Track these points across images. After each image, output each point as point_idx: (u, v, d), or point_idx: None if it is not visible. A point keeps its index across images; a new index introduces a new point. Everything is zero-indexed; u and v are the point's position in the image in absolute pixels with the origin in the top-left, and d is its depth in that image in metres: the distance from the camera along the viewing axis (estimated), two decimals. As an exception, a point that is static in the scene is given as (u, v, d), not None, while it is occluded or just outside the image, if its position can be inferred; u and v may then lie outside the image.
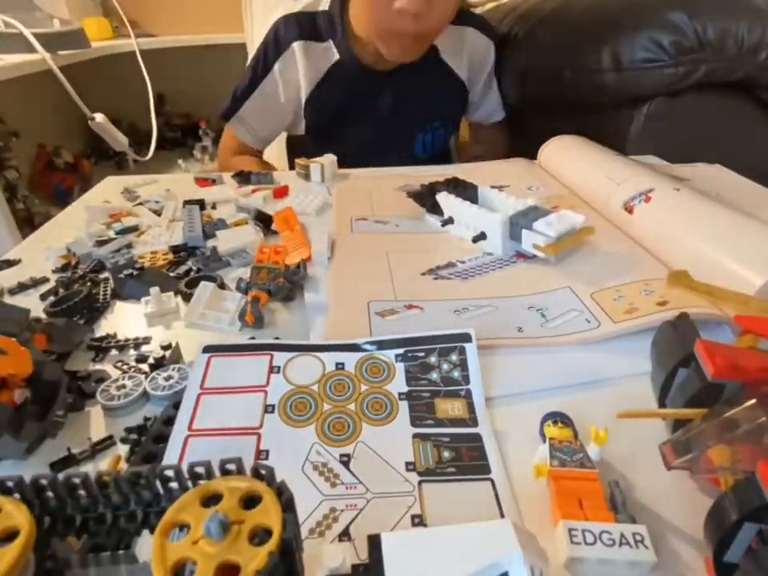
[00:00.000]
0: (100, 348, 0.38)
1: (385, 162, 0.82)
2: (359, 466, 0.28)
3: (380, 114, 0.91)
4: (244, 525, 0.16)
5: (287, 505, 0.17)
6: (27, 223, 1.37)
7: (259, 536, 0.16)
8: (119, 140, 1.18)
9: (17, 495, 0.17)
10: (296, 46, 0.86)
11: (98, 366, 0.37)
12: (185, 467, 0.18)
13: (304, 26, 0.86)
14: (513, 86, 0.96)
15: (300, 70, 0.87)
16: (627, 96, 0.77)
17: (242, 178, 0.71)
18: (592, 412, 0.30)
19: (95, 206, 0.64)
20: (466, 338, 0.35)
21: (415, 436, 0.30)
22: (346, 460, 0.28)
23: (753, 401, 0.23)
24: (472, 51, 0.92)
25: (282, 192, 0.66)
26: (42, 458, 0.29)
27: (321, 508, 0.26)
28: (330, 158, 0.72)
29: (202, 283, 0.42)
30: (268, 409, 0.31)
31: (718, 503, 0.21)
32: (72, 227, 0.58)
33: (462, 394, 0.32)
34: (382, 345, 0.35)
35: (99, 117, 1.12)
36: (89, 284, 0.46)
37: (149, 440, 0.30)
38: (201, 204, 0.62)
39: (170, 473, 0.18)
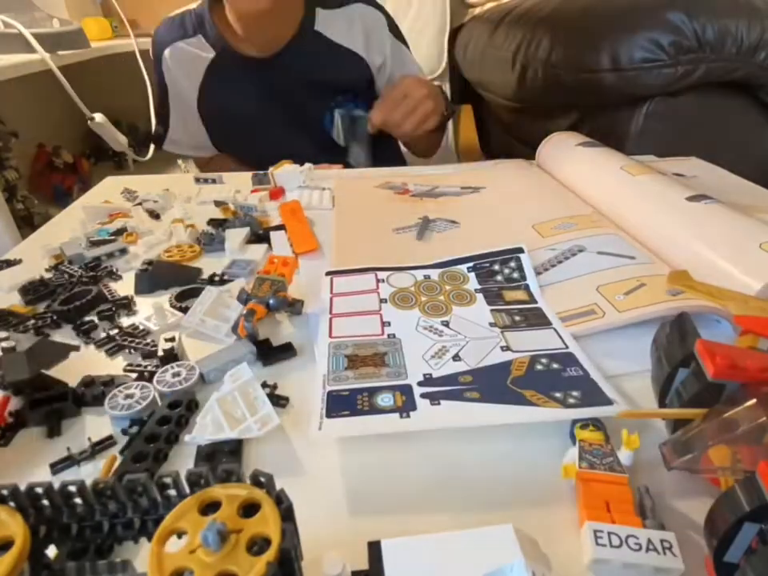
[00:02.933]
0: (110, 346, 0.39)
1: (303, 145, 0.83)
2: (456, 325, 0.38)
3: (271, 99, 0.88)
4: (242, 533, 0.16)
5: (286, 514, 0.16)
6: (27, 223, 1.37)
7: (258, 545, 0.16)
8: (119, 140, 1.18)
9: (11, 504, 0.17)
10: (166, 53, 0.85)
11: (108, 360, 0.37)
12: (183, 474, 0.18)
13: (174, 28, 0.86)
14: (512, 86, 0.96)
15: (179, 78, 0.86)
16: (626, 96, 0.77)
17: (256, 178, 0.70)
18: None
19: (92, 206, 0.64)
20: (520, 250, 0.45)
21: (493, 310, 0.40)
22: (446, 322, 0.39)
23: (753, 401, 0.23)
24: (367, 27, 0.89)
25: (277, 193, 0.66)
26: (43, 457, 0.29)
27: (434, 348, 0.36)
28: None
29: (207, 288, 0.42)
30: (382, 301, 0.42)
31: (718, 503, 0.21)
32: (71, 228, 0.58)
33: (522, 287, 0.43)
34: (455, 262, 0.46)
35: (99, 117, 1.12)
36: (76, 283, 0.46)
37: (140, 439, 0.29)
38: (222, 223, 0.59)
39: (167, 480, 0.18)
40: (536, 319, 0.39)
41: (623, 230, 0.53)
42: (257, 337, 0.38)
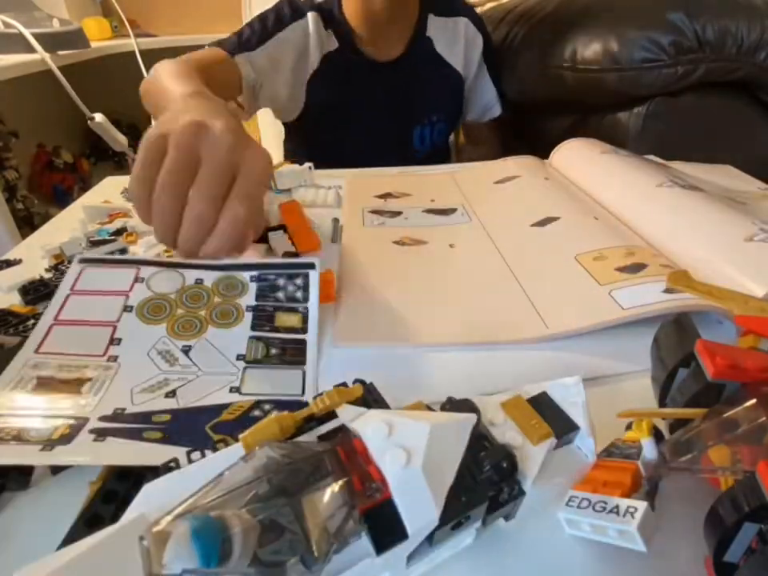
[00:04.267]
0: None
1: (382, 154, 0.81)
2: (196, 354, 0.34)
3: (377, 106, 0.90)
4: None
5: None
6: (27, 223, 1.37)
7: None
8: (119, 140, 1.18)
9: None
10: (310, 15, 0.83)
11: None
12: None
13: (315, 6, 0.85)
14: (512, 86, 0.96)
15: (311, 42, 0.85)
16: (627, 96, 0.77)
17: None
18: (592, 411, 0.30)
19: (92, 205, 0.64)
20: (311, 266, 0.40)
21: (252, 338, 0.36)
22: (186, 350, 0.34)
23: (753, 401, 0.23)
24: (465, 42, 0.92)
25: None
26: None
27: (153, 380, 0.32)
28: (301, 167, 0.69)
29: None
30: (127, 308, 0.36)
31: (718, 503, 0.21)
32: (71, 227, 0.58)
33: (299, 309, 0.38)
34: (239, 267, 0.40)
35: (99, 117, 1.12)
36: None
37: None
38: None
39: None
40: (292, 355, 0.35)
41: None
42: None
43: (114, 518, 0.24)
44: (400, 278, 0.46)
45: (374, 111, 0.91)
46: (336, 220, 0.58)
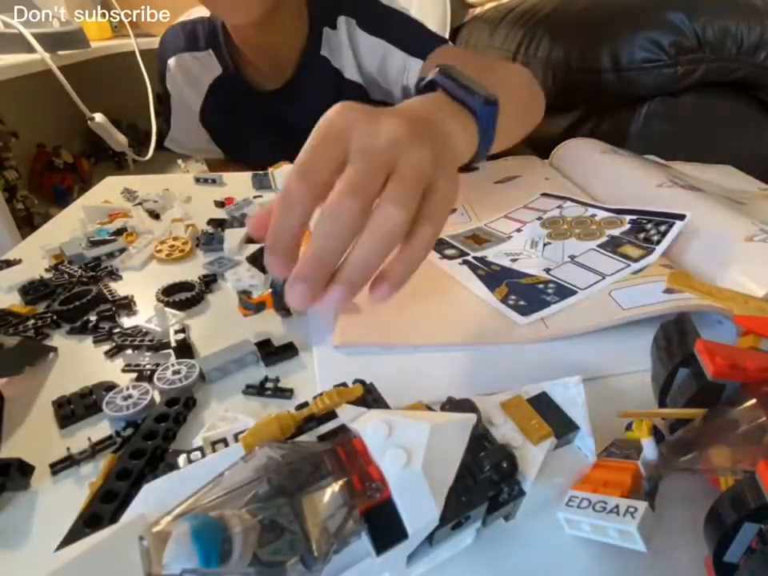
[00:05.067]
0: (110, 347, 0.39)
1: None
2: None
3: (272, 132, 0.83)
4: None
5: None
6: (27, 223, 1.37)
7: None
8: (119, 140, 1.18)
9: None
10: (170, 63, 0.81)
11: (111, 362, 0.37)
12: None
13: (182, 37, 0.81)
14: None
15: (183, 88, 0.83)
16: (627, 96, 0.77)
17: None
18: (592, 411, 0.30)
19: (92, 205, 0.64)
20: (681, 217, 0.45)
21: (592, 250, 0.46)
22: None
23: (753, 401, 0.23)
24: (351, 41, 0.75)
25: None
26: (43, 458, 0.29)
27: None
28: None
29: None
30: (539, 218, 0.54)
31: (718, 503, 0.21)
32: (71, 228, 0.58)
33: (644, 247, 0.44)
34: (623, 211, 0.50)
35: (99, 117, 1.13)
36: (76, 283, 0.47)
37: (138, 437, 0.29)
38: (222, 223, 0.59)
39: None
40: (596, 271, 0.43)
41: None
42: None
43: (114, 518, 0.24)
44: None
45: (267, 136, 0.84)
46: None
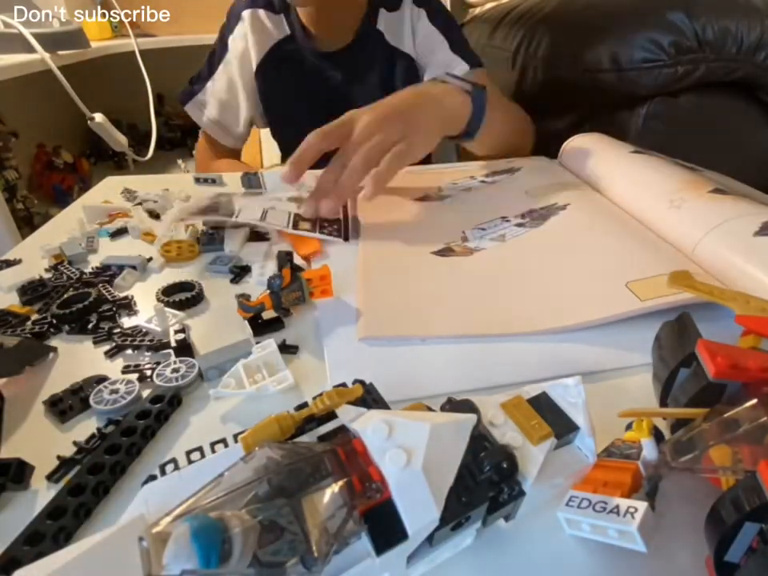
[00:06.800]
0: (110, 347, 0.39)
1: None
2: None
3: (324, 95, 0.89)
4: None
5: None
6: (27, 223, 1.37)
7: None
8: (119, 140, 1.18)
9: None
10: (245, 14, 0.85)
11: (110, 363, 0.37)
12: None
13: None
14: (512, 86, 0.96)
15: (249, 39, 0.86)
16: (627, 96, 0.77)
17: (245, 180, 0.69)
18: (592, 409, 0.30)
19: (92, 205, 0.64)
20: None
21: None
22: None
23: (754, 401, 0.23)
24: (410, 21, 0.88)
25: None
26: (43, 458, 0.29)
27: None
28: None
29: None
30: None
31: (719, 503, 0.21)
32: (71, 227, 0.58)
33: None
34: None
35: (99, 117, 1.13)
36: (74, 283, 0.47)
37: (117, 432, 0.29)
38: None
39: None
40: None
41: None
42: (282, 303, 0.40)
43: (76, 513, 0.25)
44: (424, 273, 0.47)
45: (319, 99, 0.89)
46: (354, 218, 0.58)
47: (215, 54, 0.90)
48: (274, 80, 0.89)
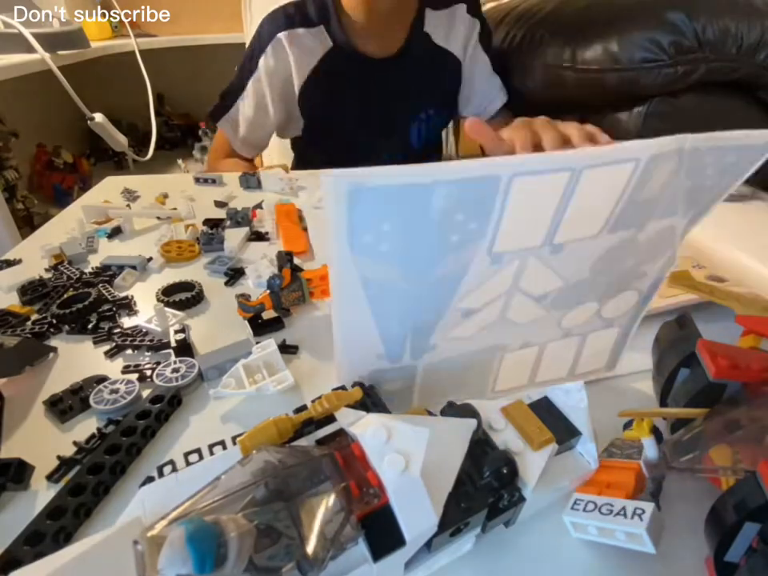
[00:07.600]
0: (113, 345, 0.39)
1: (380, 153, 0.81)
2: None
3: (372, 103, 0.89)
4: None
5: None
6: (27, 223, 1.37)
7: None
8: (119, 140, 1.18)
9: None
10: (282, 36, 0.83)
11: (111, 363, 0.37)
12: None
13: (292, 16, 0.84)
14: (512, 87, 0.95)
15: (291, 60, 0.85)
16: (627, 96, 0.77)
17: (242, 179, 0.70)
18: (592, 410, 0.30)
19: (91, 205, 0.64)
20: None
21: None
22: None
23: (754, 401, 0.23)
24: (463, 26, 0.90)
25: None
26: (43, 458, 0.29)
27: None
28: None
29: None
30: None
31: (719, 503, 0.21)
32: (71, 227, 0.58)
33: None
34: None
35: (99, 117, 1.12)
36: (74, 283, 0.46)
37: (116, 432, 0.29)
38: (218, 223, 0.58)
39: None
40: None
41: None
42: (282, 303, 0.41)
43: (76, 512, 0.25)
44: None
45: (369, 108, 0.88)
46: None
47: (244, 70, 0.88)
48: (322, 95, 0.88)
